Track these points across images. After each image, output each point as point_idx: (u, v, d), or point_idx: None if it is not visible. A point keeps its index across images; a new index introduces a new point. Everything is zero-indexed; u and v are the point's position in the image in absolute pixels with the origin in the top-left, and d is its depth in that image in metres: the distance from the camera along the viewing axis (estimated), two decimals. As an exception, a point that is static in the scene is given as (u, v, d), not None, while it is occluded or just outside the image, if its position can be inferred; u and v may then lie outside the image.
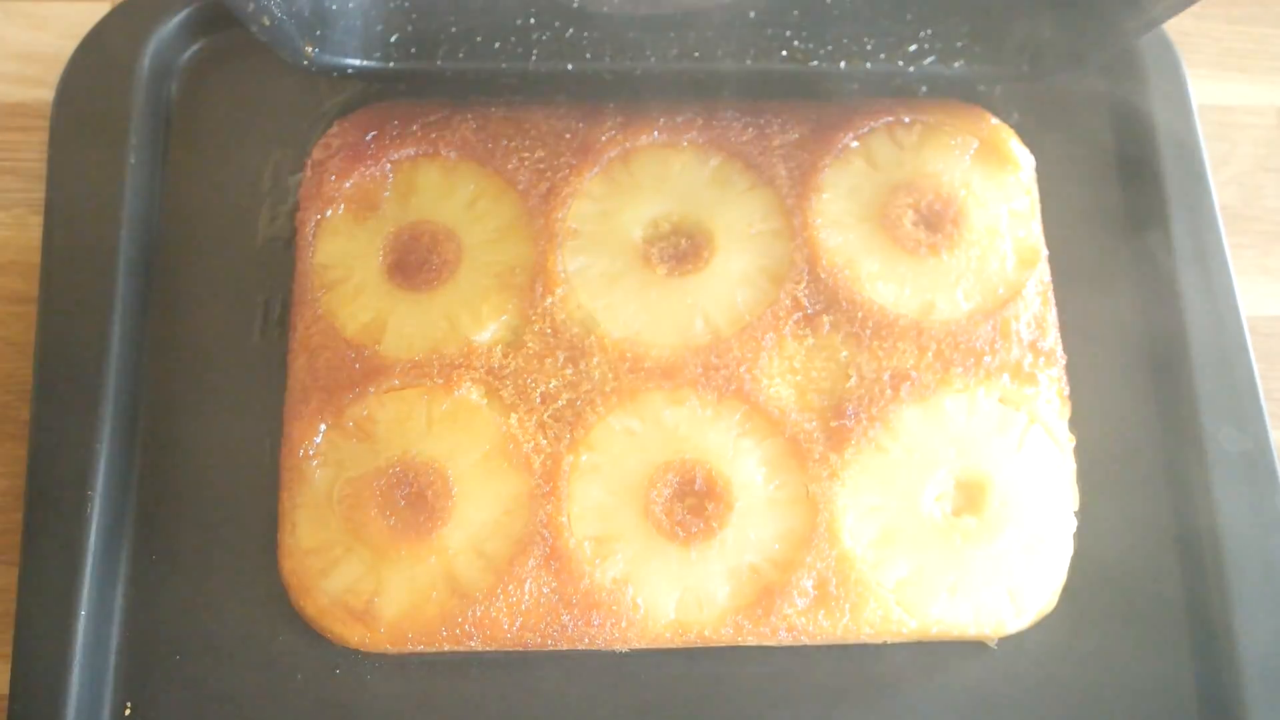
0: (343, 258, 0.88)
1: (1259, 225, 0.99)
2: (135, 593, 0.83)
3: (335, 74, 0.90)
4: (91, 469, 0.82)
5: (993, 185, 0.90)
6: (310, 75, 0.95)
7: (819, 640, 0.82)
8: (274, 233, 0.92)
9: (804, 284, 0.87)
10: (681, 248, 0.88)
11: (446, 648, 0.81)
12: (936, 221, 0.89)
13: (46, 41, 0.99)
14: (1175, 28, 1.01)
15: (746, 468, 0.83)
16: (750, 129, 0.91)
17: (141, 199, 0.90)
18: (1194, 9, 1.03)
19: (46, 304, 0.86)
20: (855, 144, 0.91)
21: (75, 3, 1.00)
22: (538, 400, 0.84)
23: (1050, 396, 0.85)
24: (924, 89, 0.95)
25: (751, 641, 0.82)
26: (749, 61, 0.91)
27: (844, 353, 0.86)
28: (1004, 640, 0.84)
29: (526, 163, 0.89)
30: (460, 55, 0.90)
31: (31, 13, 1.00)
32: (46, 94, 0.92)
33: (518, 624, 0.80)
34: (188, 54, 0.96)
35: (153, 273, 0.90)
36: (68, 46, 0.93)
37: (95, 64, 0.92)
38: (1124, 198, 0.95)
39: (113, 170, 0.89)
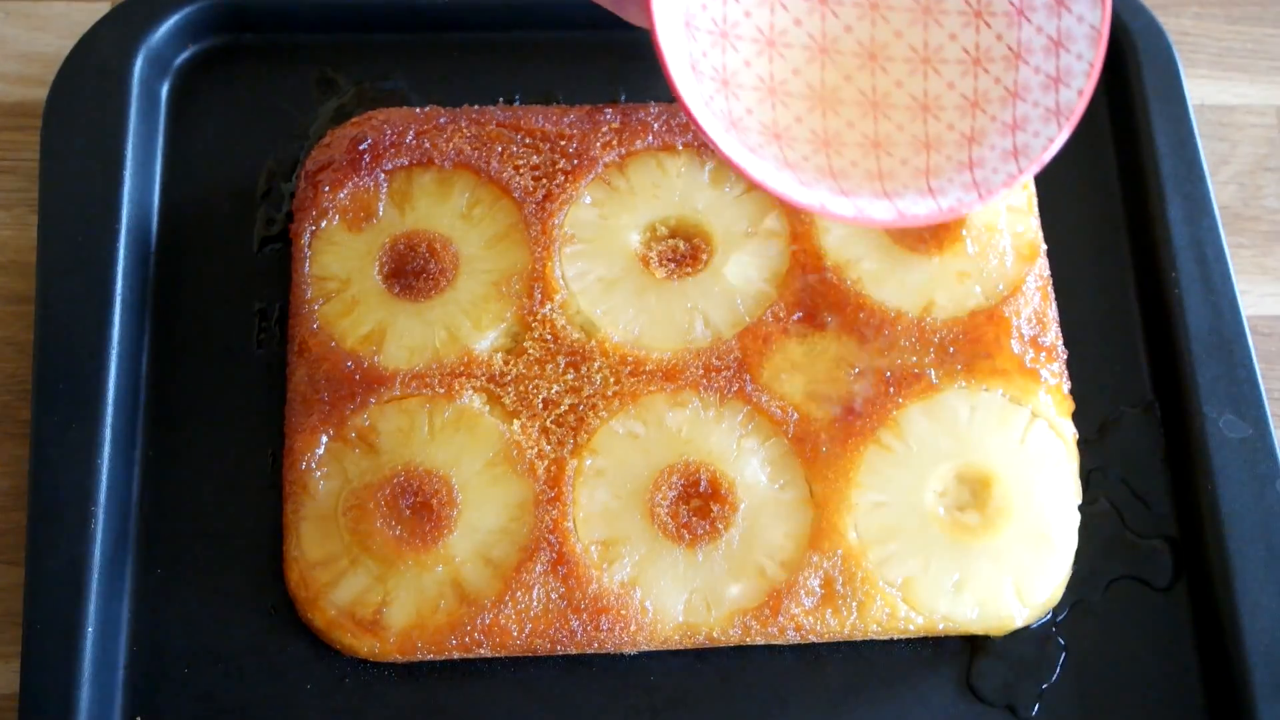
0: (339, 269, 0.87)
1: (1259, 225, 0.98)
2: (141, 606, 0.83)
3: None
4: (93, 484, 0.82)
5: (990, 181, 0.90)
6: (303, 81, 0.96)
7: (827, 638, 0.82)
8: (269, 239, 0.92)
9: (804, 284, 0.87)
10: (680, 250, 0.88)
11: (456, 655, 0.81)
12: (936, 219, 0.89)
13: (46, 41, 0.99)
14: (1175, 28, 1.01)
15: (750, 468, 0.84)
16: (747, 130, 0.91)
17: (135, 202, 0.90)
18: (1194, 9, 1.03)
19: (43, 312, 0.86)
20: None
21: (75, 3, 1.00)
22: (540, 406, 0.84)
23: (1052, 391, 0.85)
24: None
25: (759, 641, 0.82)
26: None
27: (845, 352, 0.86)
28: (1009, 635, 0.84)
29: (522, 169, 0.89)
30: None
31: (31, 13, 1.00)
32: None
33: (526, 630, 0.80)
34: (181, 58, 0.96)
35: (149, 278, 0.90)
36: (68, 47, 0.93)
37: (87, 67, 0.92)
38: (1122, 193, 0.96)
39: (106, 173, 0.89)
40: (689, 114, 0.65)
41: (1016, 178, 0.68)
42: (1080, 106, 0.68)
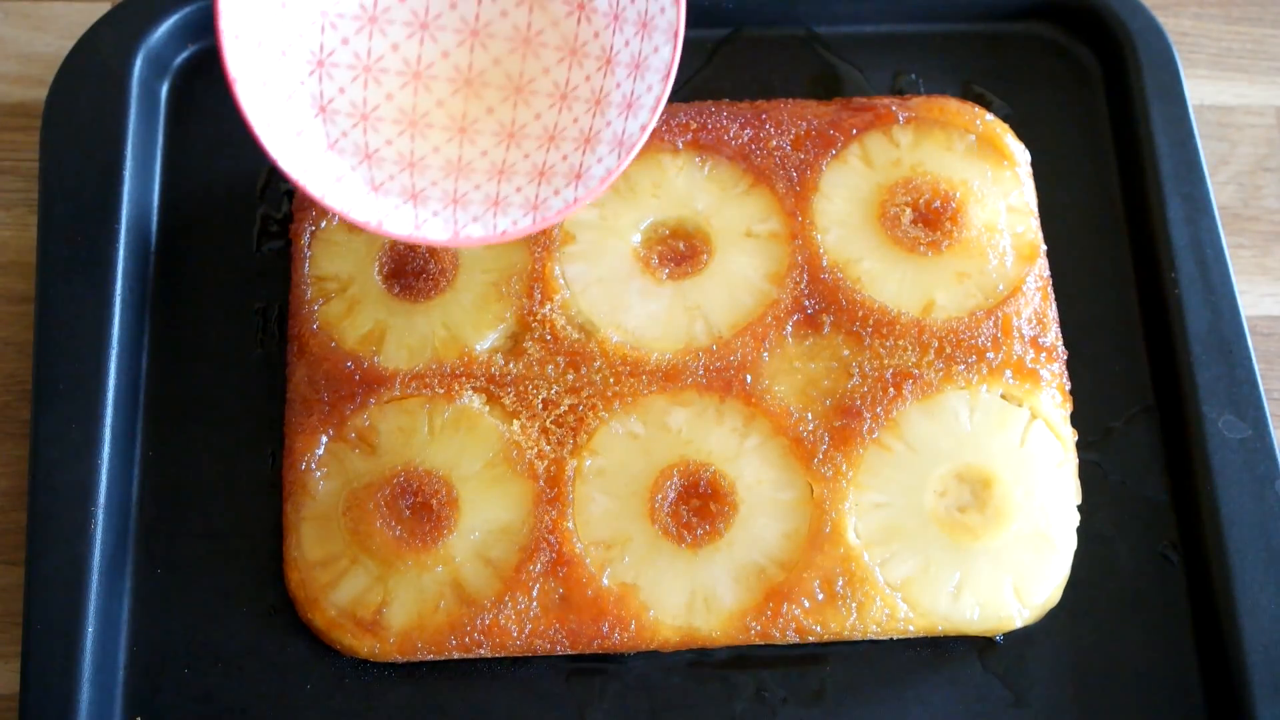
0: (339, 269, 0.87)
1: (1258, 225, 0.98)
2: (141, 606, 0.83)
3: None
4: (93, 484, 0.82)
5: (990, 181, 0.90)
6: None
7: (826, 639, 0.82)
8: (269, 239, 0.92)
9: (803, 284, 0.87)
10: (680, 250, 0.88)
11: (456, 655, 0.81)
12: (935, 219, 0.89)
13: (46, 41, 0.99)
14: (1174, 27, 1.01)
15: (750, 469, 0.84)
16: (747, 130, 0.90)
17: (135, 202, 0.90)
18: (1194, 9, 1.03)
19: (43, 312, 0.86)
20: (853, 144, 0.91)
21: (75, 3, 1.00)
22: (539, 406, 0.84)
23: (1052, 392, 0.86)
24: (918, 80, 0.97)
25: (759, 642, 0.82)
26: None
27: (845, 352, 0.86)
28: (1009, 635, 0.84)
29: (522, 169, 0.89)
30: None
31: (31, 13, 1.00)
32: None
33: (526, 630, 0.80)
34: (180, 58, 0.96)
35: (149, 278, 0.90)
36: (68, 47, 0.92)
37: (87, 67, 0.92)
38: (1122, 193, 0.96)
39: (106, 173, 0.89)
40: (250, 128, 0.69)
41: (572, 204, 0.72)
42: (641, 140, 0.71)
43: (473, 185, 0.73)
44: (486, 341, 0.86)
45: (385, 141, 0.73)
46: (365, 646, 0.80)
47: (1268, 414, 0.87)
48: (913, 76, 0.98)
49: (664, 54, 0.71)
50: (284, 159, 0.68)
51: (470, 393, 0.84)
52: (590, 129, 0.73)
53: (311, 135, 0.71)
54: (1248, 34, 1.04)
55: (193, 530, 0.85)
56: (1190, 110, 0.94)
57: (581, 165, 0.72)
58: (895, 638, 0.83)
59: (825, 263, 0.88)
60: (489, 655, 0.81)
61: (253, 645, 0.83)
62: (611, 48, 0.73)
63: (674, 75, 0.71)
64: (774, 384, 0.85)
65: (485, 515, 0.82)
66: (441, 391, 0.84)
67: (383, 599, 0.81)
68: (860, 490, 0.83)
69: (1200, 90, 1.02)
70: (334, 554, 0.82)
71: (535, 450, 0.83)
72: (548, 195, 0.72)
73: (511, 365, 0.85)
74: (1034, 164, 0.93)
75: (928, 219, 0.89)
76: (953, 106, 0.92)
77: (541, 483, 0.83)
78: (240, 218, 0.93)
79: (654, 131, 0.90)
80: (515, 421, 0.84)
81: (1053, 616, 0.84)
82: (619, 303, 0.87)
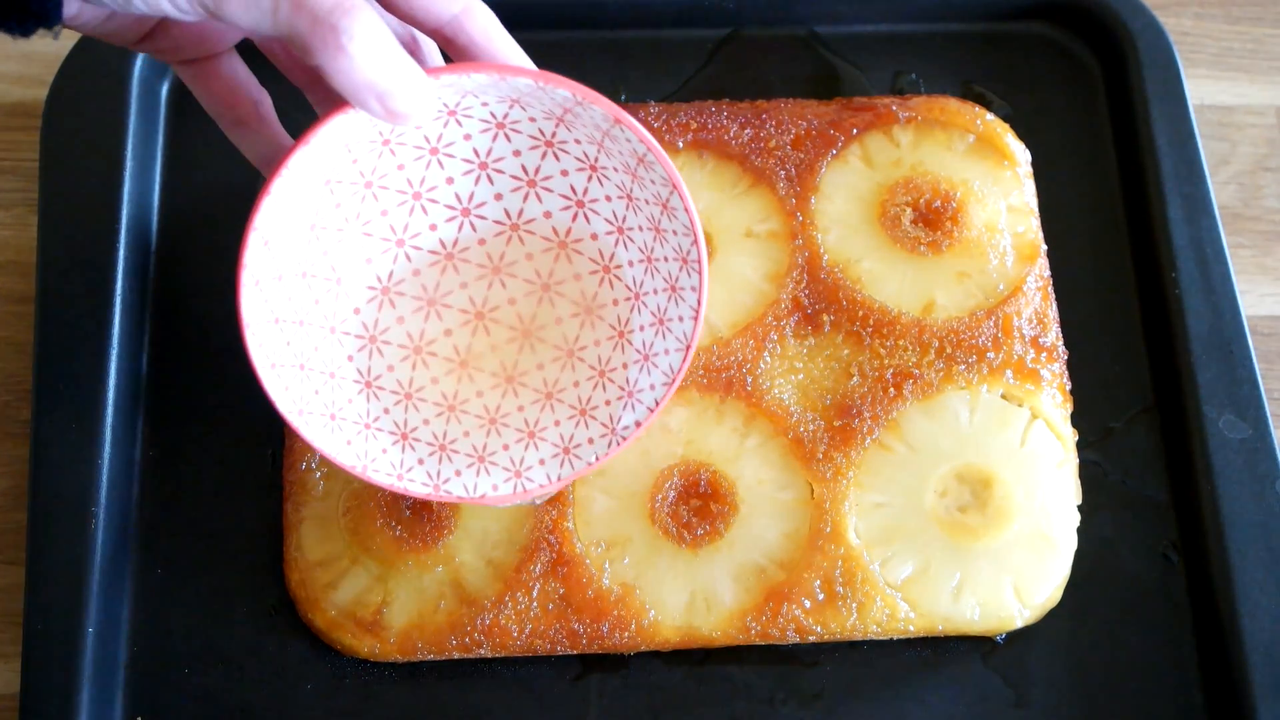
0: (341, 268, 0.87)
1: (1259, 225, 0.98)
2: (142, 606, 0.83)
3: None
4: (93, 484, 0.82)
5: (990, 181, 0.90)
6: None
7: (826, 639, 0.82)
8: (270, 240, 0.92)
9: (804, 284, 0.87)
10: (680, 250, 0.88)
11: (456, 655, 0.81)
12: (935, 219, 0.89)
13: (46, 42, 0.98)
14: (1175, 27, 1.01)
15: (751, 469, 0.84)
16: (747, 130, 0.90)
17: (136, 202, 0.90)
18: (1194, 9, 1.03)
19: (43, 312, 0.86)
20: (854, 144, 0.91)
21: (77, 3, 1.00)
22: (540, 406, 0.84)
23: (1052, 392, 0.86)
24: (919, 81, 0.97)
25: (759, 642, 0.82)
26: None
27: (845, 352, 0.86)
28: (1009, 635, 0.84)
29: (522, 169, 0.89)
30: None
31: (32, 12, 1.00)
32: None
33: (526, 630, 0.80)
34: (181, 58, 0.96)
35: (149, 278, 0.90)
36: (68, 47, 0.92)
37: (87, 67, 0.92)
38: (1122, 193, 0.96)
39: (106, 174, 0.89)
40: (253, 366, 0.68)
41: (555, 482, 0.73)
42: (635, 435, 0.72)
43: (462, 431, 0.74)
44: (487, 341, 0.86)
45: (388, 367, 0.74)
46: (365, 646, 0.80)
47: (1268, 414, 0.87)
48: (913, 76, 0.98)
49: (673, 359, 0.72)
50: (283, 403, 0.69)
51: (470, 393, 0.84)
52: (588, 401, 0.74)
53: (316, 364, 0.72)
54: (1248, 34, 1.04)
55: (193, 530, 0.85)
56: (1190, 110, 0.94)
57: (571, 440, 0.74)
58: (895, 638, 0.83)
59: (825, 263, 0.88)
60: (489, 655, 0.81)
61: (253, 645, 0.83)
62: (627, 324, 0.74)
63: (678, 383, 0.72)
64: (774, 384, 0.85)
65: (485, 515, 0.82)
66: (442, 391, 0.84)
67: (383, 599, 0.81)
68: (860, 490, 0.83)
69: (1200, 90, 1.02)
70: (334, 554, 0.82)
71: (535, 450, 0.83)
72: (533, 463, 0.74)
73: (512, 365, 0.85)
74: (1034, 164, 0.93)
75: (928, 219, 0.89)
76: (953, 106, 0.92)
77: (541, 483, 0.83)
78: (240, 218, 0.90)
79: (654, 131, 0.90)
80: (515, 421, 0.84)
81: (1053, 616, 0.84)
82: (619, 303, 0.87)
